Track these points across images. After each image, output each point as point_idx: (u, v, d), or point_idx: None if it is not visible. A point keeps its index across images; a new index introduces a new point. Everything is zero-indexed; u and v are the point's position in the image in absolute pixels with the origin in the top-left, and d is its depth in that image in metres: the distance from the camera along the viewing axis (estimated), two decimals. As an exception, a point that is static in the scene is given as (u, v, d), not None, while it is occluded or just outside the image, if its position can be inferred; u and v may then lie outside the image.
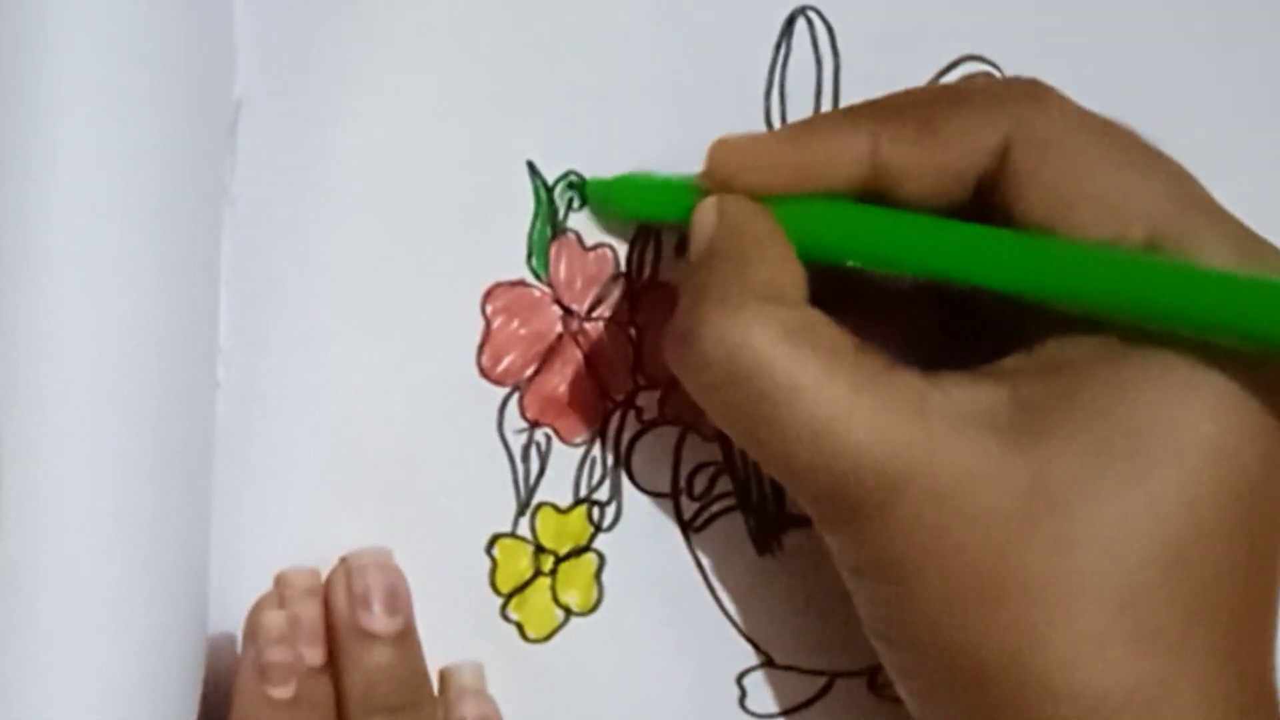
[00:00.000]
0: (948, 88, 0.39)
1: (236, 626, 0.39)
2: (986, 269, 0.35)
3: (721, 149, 0.38)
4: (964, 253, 0.35)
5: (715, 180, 0.38)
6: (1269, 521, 0.34)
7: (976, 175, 0.36)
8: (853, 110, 0.38)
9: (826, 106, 0.41)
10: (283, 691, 0.36)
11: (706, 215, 0.37)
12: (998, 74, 0.42)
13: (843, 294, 0.37)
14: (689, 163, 0.40)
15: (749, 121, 0.41)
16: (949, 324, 0.38)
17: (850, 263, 0.37)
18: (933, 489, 0.34)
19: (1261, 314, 0.33)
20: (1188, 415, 0.33)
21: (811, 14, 0.41)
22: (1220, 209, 0.36)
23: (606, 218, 0.40)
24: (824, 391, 0.34)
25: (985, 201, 0.36)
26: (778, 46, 0.41)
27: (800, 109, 0.41)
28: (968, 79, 0.39)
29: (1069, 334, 0.35)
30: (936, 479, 0.34)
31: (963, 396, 0.34)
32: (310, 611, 0.38)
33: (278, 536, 0.39)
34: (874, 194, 0.37)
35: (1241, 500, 0.34)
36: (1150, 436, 0.33)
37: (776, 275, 0.36)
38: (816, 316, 0.35)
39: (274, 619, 0.37)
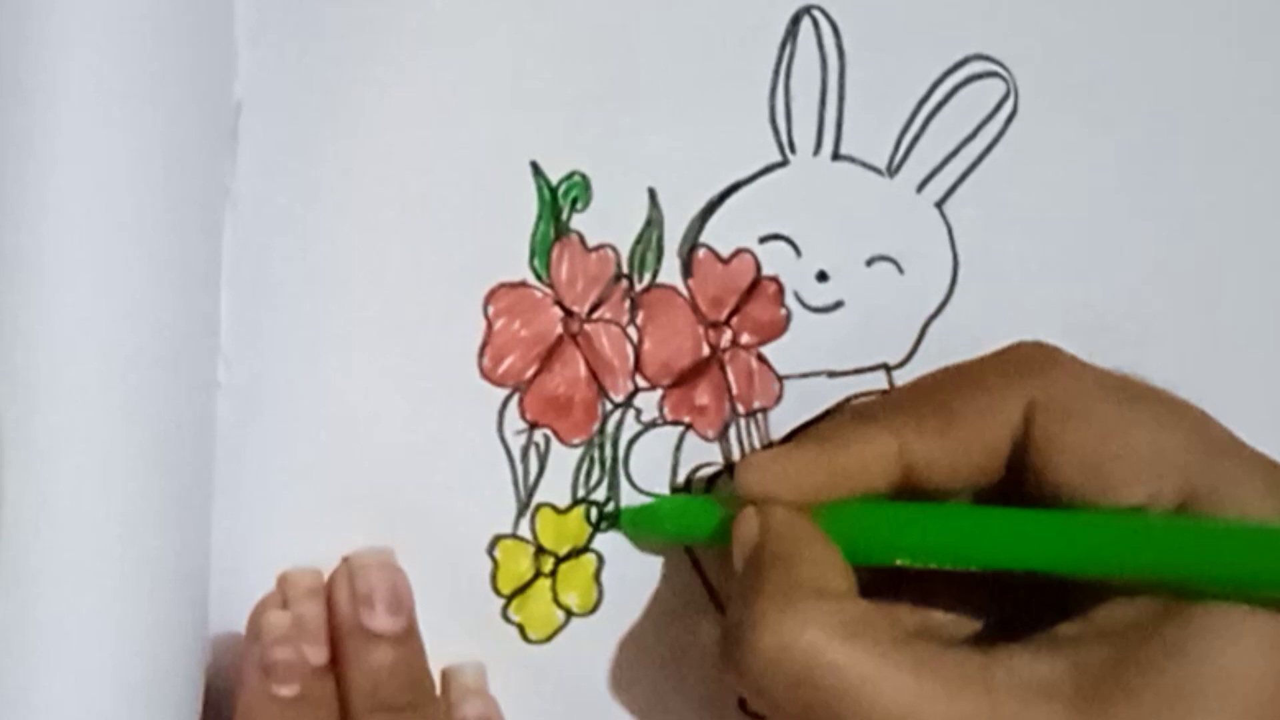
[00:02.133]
0: (959, 370, 0.39)
1: (239, 626, 0.39)
2: (1031, 555, 0.36)
3: (750, 469, 0.38)
4: (1006, 542, 0.36)
5: (749, 496, 0.38)
6: None
7: (1005, 451, 0.37)
8: (871, 411, 0.39)
9: (832, 106, 0.41)
10: (287, 690, 0.36)
11: (749, 524, 0.37)
12: (1004, 74, 0.42)
13: (894, 577, 0.38)
14: (691, 163, 0.41)
15: (754, 122, 0.41)
16: (1000, 595, 0.38)
17: (898, 561, 0.37)
18: None
19: None
20: (1248, 666, 0.34)
21: (817, 13, 0.41)
22: (1247, 449, 0.36)
23: (641, 542, 0.41)
24: (890, 682, 0.34)
25: (1018, 472, 0.37)
26: (783, 46, 0.41)
27: (805, 109, 0.41)
28: (977, 360, 0.39)
29: (1119, 596, 0.35)
30: None
31: (1024, 669, 0.35)
32: (313, 611, 0.38)
33: (279, 536, 0.39)
34: (908, 488, 0.37)
35: None
36: (1214, 692, 0.34)
37: (825, 572, 0.36)
38: (869, 608, 0.36)
39: (278, 618, 0.37)
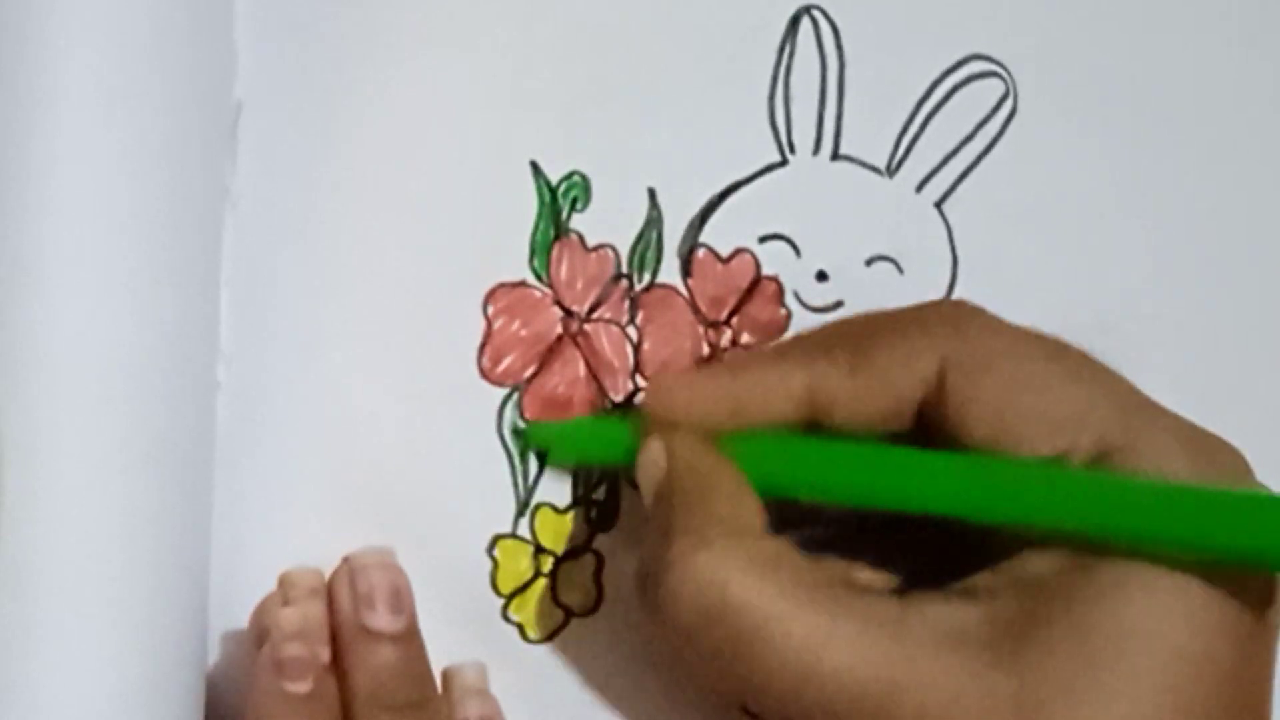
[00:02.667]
0: (876, 317, 0.38)
1: (240, 626, 0.39)
2: (939, 497, 0.35)
3: (657, 391, 0.38)
4: (914, 482, 0.36)
5: (654, 417, 0.38)
6: (1250, 713, 0.34)
7: (915, 402, 0.36)
8: (785, 346, 0.39)
9: (831, 106, 0.41)
10: (300, 686, 0.36)
11: (654, 454, 0.37)
12: (1004, 74, 0.42)
13: (805, 518, 0.37)
14: (691, 163, 0.41)
15: (754, 122, 0.41)
16: (910, 541, 0.38)
17: (802, 497, 0.37)
18: (920, 709, 0.34)
19: (1211, 527, 0.34)
20: (1159, 621, 0.34)
21: (816, 14, 0.41)
22: (1164, 411, 0.36)
23: (553, 461, 0.40)
24: (801, 620, 0.34)
25: (928, 426, 0.36)
26: (782, 46, 0.41)
27: (805, 109, 0.41)
28: (897, 310, 0.39)
29: (1035, 547, 0.35)
30: (923, 700, 0.34)
31: (938, 616, 0.35)
32: (314, 611, 0.38)
33: (280, 536, 0.39)
34: (813, 426, 0.37)
35: (1222, 696, 0.34)
36: (1126, 645, 0.33)
37: (736, 508, 0.36)
38: (782, 546, 0.36)
39: (289, 615, 0.37)
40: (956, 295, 0.42)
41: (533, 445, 0.40)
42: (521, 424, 0.40)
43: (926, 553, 0.37)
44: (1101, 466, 0.35)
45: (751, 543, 0.35)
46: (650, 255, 0.41)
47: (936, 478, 0.36)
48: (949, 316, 0.37)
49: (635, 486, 0.38)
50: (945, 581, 0.36)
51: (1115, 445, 0.35)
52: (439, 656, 0.39)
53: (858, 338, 0.37)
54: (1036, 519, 0.35)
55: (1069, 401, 0.35)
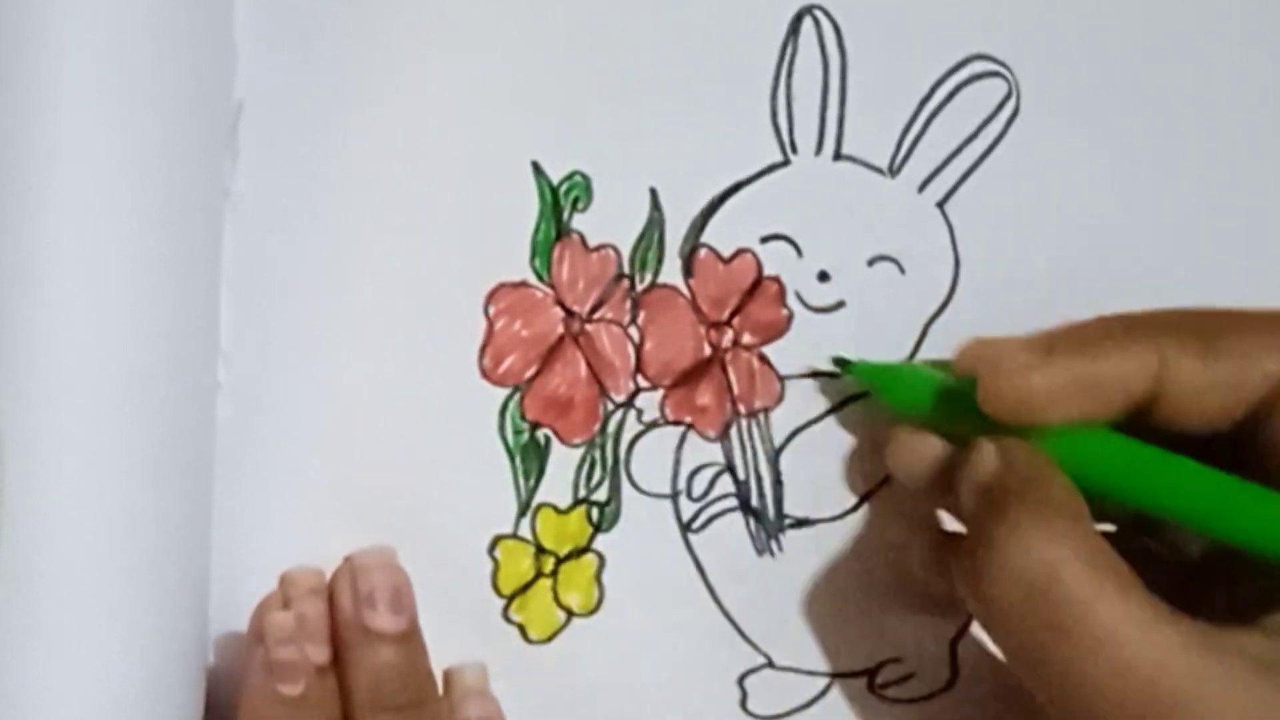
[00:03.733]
0: (1228, 310, 0.37)
1: (241, 626, 0.39)
2: (1266, 536, 0.35)
3: (998, 374, 0.36)
4: (1250, 517, 0.35)
5: (1003, 411, 0.37)
6: None
7: (1253, 403, 0.36)
8: (1134, 322, 0.37)
9: (833, 106, 0.41)
10: (292, 689, 0.37)
11: (987, 455, 0.37)
12: (1006, 75, 0.42)
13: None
14: (693, 163, 0.41)
15: (756, 122, 0.41)
16: (1206, 571, 0.38)
17: (1124, 502, 0.37)
18: None
19: None
20: None
21: (818, 13, 0.41)
22: None
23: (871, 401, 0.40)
24: (1128, 619, 0.34)
25: (1251, 432, 0.36)
26: (784, 46, 0.41)
27: (807, 109, 0.41)
28: (1255, 309, 0.37)
29: None
30: (1228, 716, 0.34)
31: (1256, 647, 0.34)
32: (315, 611, 0.38)
33: (280, 536, 0.39)
34: (1142, 414, 0.36)
35: None
36: None
37: (1071, 497, 0.36)
38: (1109, 545, 0.35)
39: (283, 618, 0.37)
40: (959, 296, 0.42)
41: (857, 379, 0.40)
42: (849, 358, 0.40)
43: (1214, 579, 0.37)
44: None
45: (1086, 529, 0.35)
46: (652, 255, 0.41)
47: (1266, 514, 0.35)
48: None
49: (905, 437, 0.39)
50: (1234, 603, 0.36)
51: None
52: (440, 657, 0.39)
53: (1210, 324, 0.36)
54: None
55: None
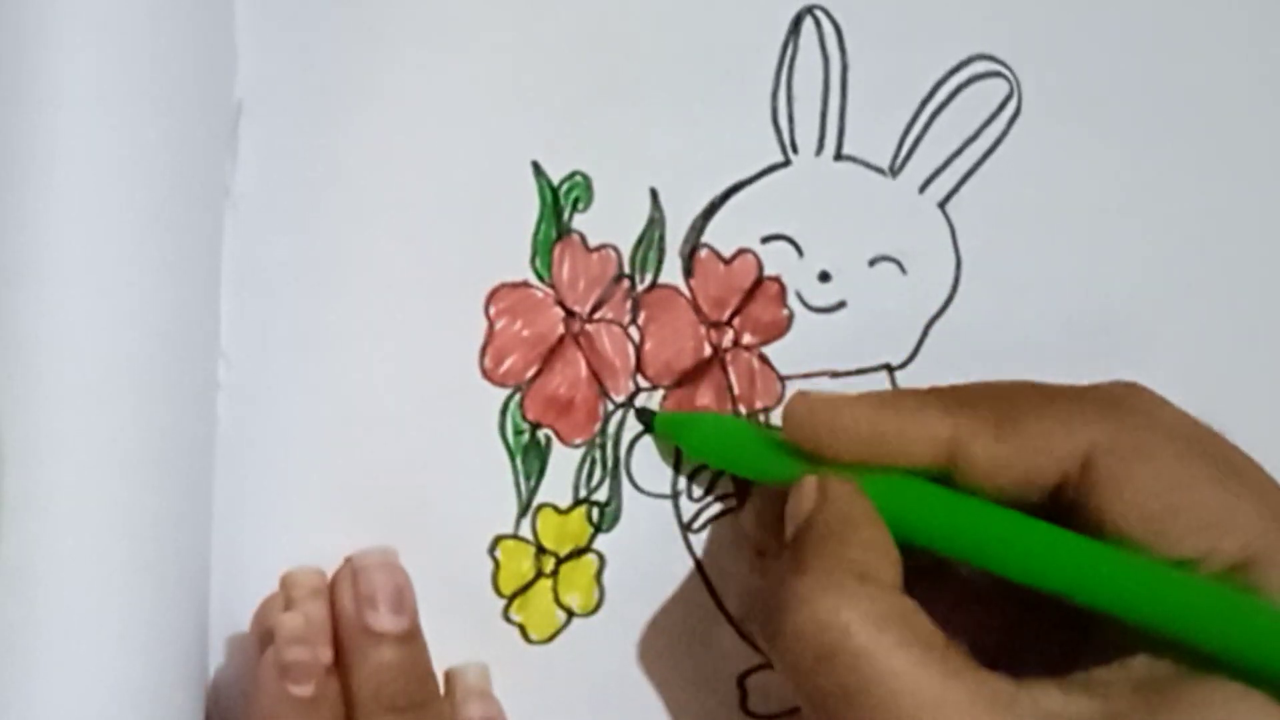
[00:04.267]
0: (1035, 387, 0.38)
1: (241, 626, 0.39)
2: (1078, 582, 0.35)
3: (802, 407, 0.38)
4: (1060, 563, 0.35)
5: (796, 437, 0.38)
6: None
7: (1054, 479, 0.36)
8: (936, 393, 0.38)
9: (834, 106, 0.41)
10: (303, 689, 0.36)
11: (807, 494, 0.37)
12: (1008, 75, 0.42)
13: (927, 584, 0.37)
14: (693, 163, 0.40)
15: (756, 122, 0.41)
16: (1023, 620, 0.38)
17: (930, 548, 0.37)
18: None
19: None
20: None
21: (819, 13, 0.41)
22: None
23: (668, 450, 0.41)
24: (915, 679, 0.34)
25: (1060, 503, 0.36)
26: (785, 46, 0.41)
27: (807, 109, 0.41)
28: (1058, 385, 0.38)
29: (1151, 649, 0.35)
30: None
31: (1052, 705, 0.34)
32: (316, 611, 0.38)
33: (281, 537, 0.39)
34: (941, 478, 0.37)
35: None
36: None
37: (874, 558, 0.36)
38: (909, 605, 0.35)
39: (293, 619, 0.37)
40: (960, 296, 0.42)
41: (659, 431, 0.40)
42: (654, 408, 0.40)
43: (1033, 630, 0.37)
44: (1240, 575, 0.34)
45: (880, 594, 0.35)
46: (652, 255, 0.41)
47: (1079, 561, 0.35)
48: (1109, 396, 0.37)
49: (736, 489, 0.39)
50: (1046, 654, 0.36)
51: (1258, 555, 0.34)
52: (439, 657, 0.39)
53: (1011, 404, 0.37)
54: (1172, 628, 0.34)
55: (1219, 505, 0.35)
